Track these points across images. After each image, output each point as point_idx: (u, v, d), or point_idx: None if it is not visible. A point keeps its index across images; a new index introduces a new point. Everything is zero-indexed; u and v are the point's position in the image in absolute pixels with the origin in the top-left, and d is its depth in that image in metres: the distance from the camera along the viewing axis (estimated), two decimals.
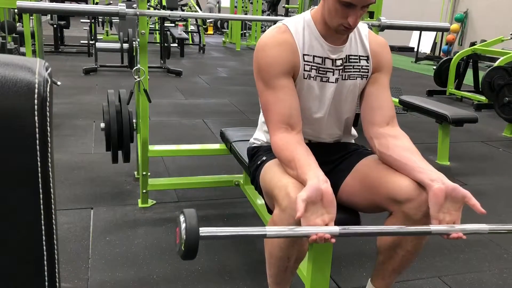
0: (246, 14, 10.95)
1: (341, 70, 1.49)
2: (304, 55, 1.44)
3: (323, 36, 1.45)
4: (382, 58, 1.53)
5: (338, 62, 1.48)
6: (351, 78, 1.51)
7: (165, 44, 6.63)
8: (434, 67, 6.62)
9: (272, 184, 1.35)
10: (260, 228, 1.08)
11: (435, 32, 10.54)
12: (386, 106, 1.49)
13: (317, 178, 1.21)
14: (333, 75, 1.48)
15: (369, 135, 1.48)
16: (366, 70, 1.52)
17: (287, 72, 1.42)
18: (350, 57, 1.50)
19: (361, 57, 1.51)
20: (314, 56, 1.45)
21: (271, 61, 1.40)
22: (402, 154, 1.35)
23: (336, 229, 1.14)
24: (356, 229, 1.22)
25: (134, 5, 2.21)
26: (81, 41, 7.67)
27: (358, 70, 1.51)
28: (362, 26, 1.54)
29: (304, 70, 1.45)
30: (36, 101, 0.56)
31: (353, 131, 1.70)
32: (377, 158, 1.45)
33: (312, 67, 1.45)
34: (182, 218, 1.00)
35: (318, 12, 1.46)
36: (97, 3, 9.53)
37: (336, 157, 1.57)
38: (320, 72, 1.47)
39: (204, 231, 0.99)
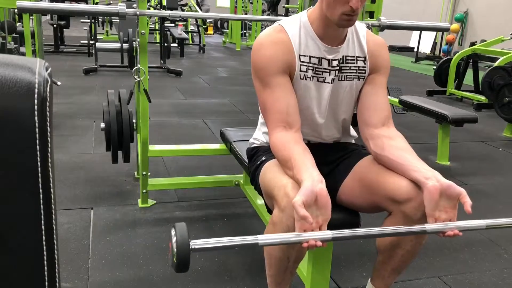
0: (246, 14, 10.95)
1: (337, 71, 1.48)
2: (300, 55, 1.44)
3: (319, 37, 1.45)
4: (379, 59, 1.52)
5: (334, 63, 1.47)
6: (347, 79, 1.50)
7: (165, 44, 6.63)
8: (434, 67, 6.62)
9: (271, 184, 1.35)
10: (251, 236, 1.06)
11: (435, 32, 10.55)
12: (382, 107, 1.49)
13: (311, 180, 1.19)
14: (329, 75, 1.48)
15: (365, 136, 1.49)
16: (363, 71, 1.51)
17: (283, 71, 1.42)
18: (347, 57, 1.49)
19: (358, 58, 1.50)
20: (310, 57, 1.45)
21: (267, 60, 1.41)
22: (397, 153, 1.35)
23: (329, 233, 1.11)
24: (349, 233, 1.17)
25: (134, 5, 2.21)
26: (81, 41, 7.68)
27: (355, 71, 1.50)
28: (360, 26, 1.53)
29: (301, 71, 1.44)
30: (36, 101, 0.56)
31: (353, 132, 1.69)
32: None
33: (309, 68, 1.45)
34: (173, 232, 0.99)
35: (314, 12, 1.45)
36: (97, 3, 9.53)
37: (335, 158, 1.57)
38: (316, 72, 1.46)
39: (196, 243, 0.99)
